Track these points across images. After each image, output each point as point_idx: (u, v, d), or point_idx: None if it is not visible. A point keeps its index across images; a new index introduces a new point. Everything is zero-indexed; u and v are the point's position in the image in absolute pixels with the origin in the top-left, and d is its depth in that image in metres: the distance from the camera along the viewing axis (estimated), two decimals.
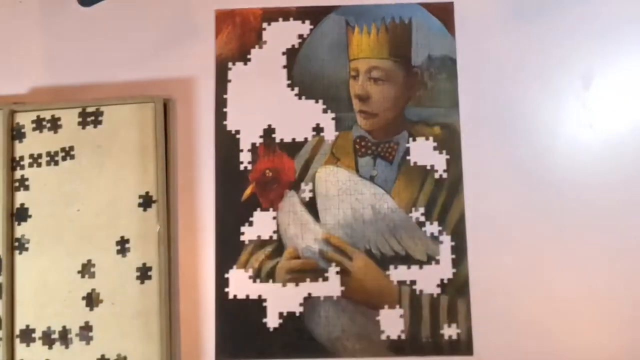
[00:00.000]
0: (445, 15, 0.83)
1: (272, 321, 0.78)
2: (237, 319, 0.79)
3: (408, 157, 0.81)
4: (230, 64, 0.84)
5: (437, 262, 0.79)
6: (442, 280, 0.78)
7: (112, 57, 0.85)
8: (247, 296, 0.79)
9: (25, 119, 0.82)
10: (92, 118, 0.81)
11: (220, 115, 0.83)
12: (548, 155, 0.81)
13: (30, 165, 0.81)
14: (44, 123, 0.82)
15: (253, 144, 0.82)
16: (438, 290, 0.78)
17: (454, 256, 0.79)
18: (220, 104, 0.83)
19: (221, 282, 0.79)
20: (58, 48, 0.85)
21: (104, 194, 0.80)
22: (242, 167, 0.82)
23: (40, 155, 0.81)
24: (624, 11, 0.84)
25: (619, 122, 0.82)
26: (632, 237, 0.79)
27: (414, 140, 0.81)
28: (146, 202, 0.79)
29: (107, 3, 0.84)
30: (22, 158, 0.81)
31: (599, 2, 0.84)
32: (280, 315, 0.78)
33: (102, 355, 0.77)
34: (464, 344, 0.77)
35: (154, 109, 0.81)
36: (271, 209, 0.81)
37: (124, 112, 0.81)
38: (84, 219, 0.80)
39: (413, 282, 0.78)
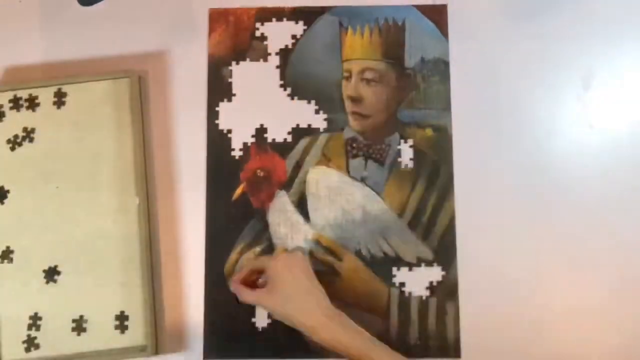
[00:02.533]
0: (438, 18, 0.83)
1: (260, 321, 0.78)
2: (226, 319, 0.78)
3: (399, 159, 0.81)
4: (223, 64, 0.84)
5: (427, 264, 0.79)
6: (431, 282, 0.78)
7: (105, 57, 0.85)
8: (236, 296, 0.79)
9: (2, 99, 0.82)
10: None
11: (212, 114, 0.83)
12: (547, 155, 0.81)
13: (8, 142, 0.81)
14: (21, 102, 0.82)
15: (245, 144, 0.82)
16: (427, 293, 0.78)
17: (443, 259, 0.78)
18: (213, 103, 0.83)
19: (211, 281, 0.79)
20: (58, 48, 0.85)
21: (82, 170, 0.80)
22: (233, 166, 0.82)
23: (17, 136, 0.81)
24: (624, 11, 0.84)
25: (618, 122, 0.82)
26: (631, 237, 0.79)
27: (406, 142, 0.81)
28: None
29: (105, 3, 0.84)
30: None
31: (598, 2, 0.84)
32: (269, 315, 0.78)
33: None
34: (452, 347, 0.77)
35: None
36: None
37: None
38: (63, 196, 0.80)
39: (402, 284, 0.78)
